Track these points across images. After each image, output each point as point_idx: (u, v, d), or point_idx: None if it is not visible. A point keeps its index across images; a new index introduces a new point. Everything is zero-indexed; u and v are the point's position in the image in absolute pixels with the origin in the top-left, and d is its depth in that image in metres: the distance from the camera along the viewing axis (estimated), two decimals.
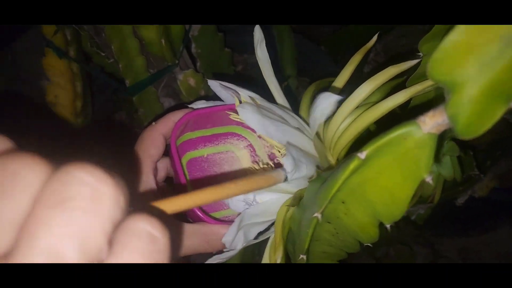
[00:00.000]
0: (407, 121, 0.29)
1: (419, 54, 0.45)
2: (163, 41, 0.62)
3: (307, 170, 0.43)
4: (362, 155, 0.30)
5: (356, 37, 0.93)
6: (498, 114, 0.25)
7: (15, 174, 0.18)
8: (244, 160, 0.51)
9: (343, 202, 0.35)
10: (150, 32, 0.62)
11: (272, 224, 0.47)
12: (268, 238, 0.47)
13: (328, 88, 0.49)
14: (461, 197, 0.90)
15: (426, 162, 0.29)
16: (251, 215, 0.43)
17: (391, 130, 0.29)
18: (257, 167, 0.51)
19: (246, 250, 0.46)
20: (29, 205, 0.18)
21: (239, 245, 0.43)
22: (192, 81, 0.70)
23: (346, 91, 0.48)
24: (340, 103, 0.47)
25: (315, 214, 0.34)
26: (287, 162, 0.41)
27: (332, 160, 0.48)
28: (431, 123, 0.28)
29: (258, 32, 0.49)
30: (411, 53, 0.47)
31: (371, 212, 0.34)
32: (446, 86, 0.27)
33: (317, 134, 0.49)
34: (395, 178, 0.31)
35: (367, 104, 0.49)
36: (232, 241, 0.42)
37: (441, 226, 1.19)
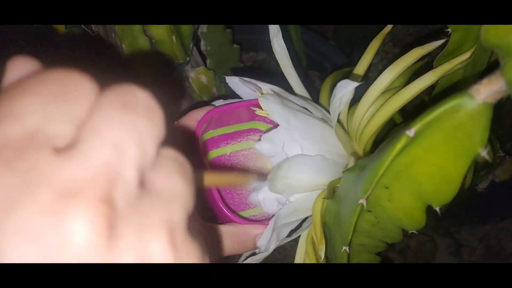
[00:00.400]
0: (458, 92, 0.27)
1: (447, 30, 0.43)
2: (174, 38, 0.60)
3: (307, 150, 0.42)
4: (411, 132, 0.28)
5: (365, 29, 0.92)
6: None
7: (73, 83, 0.19)
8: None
9: (386, 188, 0.33)
10: (160, 30, 0.60)
11: (303, 221, 0.45)
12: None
13: (347, 77, 0.47)
14: (482, 182, 0.87)
15: (481, 135, 0.27)
16: (285, 215, 0.41)
17: (441, 103, 0.27)
18: None
19: None
20: (87, 110, 0.18)
21: (272, 246, 0.41)
22: (204, 79, 0.68)
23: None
24: (363, 91, 0.46)
25: (360, 201, 0.32)
26: (260, 147, 0.42)
27: (359, 150, 0.46)
28: (486, 91, 0.26)
29: (272, 26, 0.47)
30: (421, 42, 0.45)
31: (418, 195, 0.32)
32: (502, 50, 0.25)
33: (341, 123, 0.47)
34: (446, 155, 0.28)
35: (391, 90, 0.47)
36: (267, 245, 0.40)
37: (460, 214, 1.17)
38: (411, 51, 0.44)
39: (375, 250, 0.43)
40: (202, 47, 0.74)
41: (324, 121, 0.45)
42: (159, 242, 0.17)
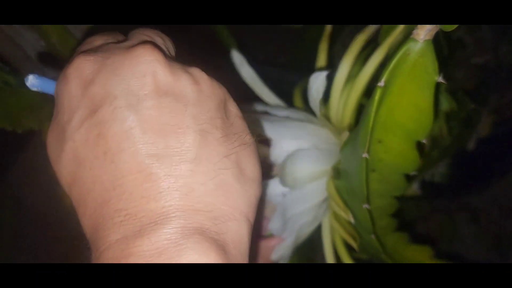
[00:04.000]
0: (404, 41, 0.34)
1: None
2: None
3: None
4: (381, 83, 0.34)
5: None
6: None
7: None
8: None
9: (379, 141, 0.39)
10: None
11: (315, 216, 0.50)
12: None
13: None
14: (469, 142, 0.93)
15: (433, 65, 0.33)
16: (292, 202, 0.46)
17: (394, 53, 0.34)
18: None
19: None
20: None
21: (291, 231, 0.46)
22: None
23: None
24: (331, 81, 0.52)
25: (363, 155, 0.38)
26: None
27: (346, 134, 0.52)
28: (423, 32, 0.33)
29: (236, 56, 0.54)
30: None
31: (406, 135, 0.38)
32: None
33: (324, 115, 0.53)
34: (414, 91, 0.35)
35: (353, 77, 0.53)
36: (280, 229, 0.45)
37: (466, 183, 1.21)
38: (355, 39, 0.51)
39: (390, 210, 0.48)
40: None
41: (305, 120, 0.51)
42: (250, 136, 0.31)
